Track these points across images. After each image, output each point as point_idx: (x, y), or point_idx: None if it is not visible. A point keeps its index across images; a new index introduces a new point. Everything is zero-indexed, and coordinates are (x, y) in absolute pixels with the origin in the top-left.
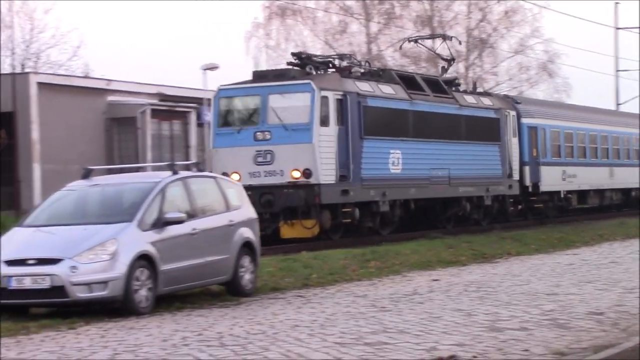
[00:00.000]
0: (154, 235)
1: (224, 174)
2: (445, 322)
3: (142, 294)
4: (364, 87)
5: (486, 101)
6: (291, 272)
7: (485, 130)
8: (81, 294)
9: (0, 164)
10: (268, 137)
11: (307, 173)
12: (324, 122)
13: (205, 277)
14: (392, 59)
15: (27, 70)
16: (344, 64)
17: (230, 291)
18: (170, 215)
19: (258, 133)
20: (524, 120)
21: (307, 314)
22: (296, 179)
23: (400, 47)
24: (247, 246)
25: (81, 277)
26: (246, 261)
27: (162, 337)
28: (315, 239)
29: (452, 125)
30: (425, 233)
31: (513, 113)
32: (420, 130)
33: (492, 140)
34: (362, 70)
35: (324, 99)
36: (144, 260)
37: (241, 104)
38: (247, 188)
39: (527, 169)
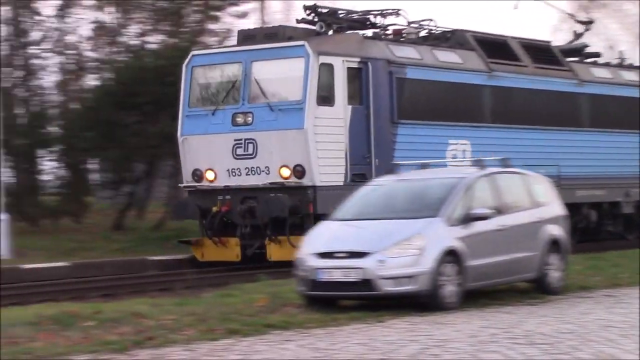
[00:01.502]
0: (460, 231)
1: (196, 171)
2: None
3: (449, 289)
4: (403, 52)
5: (628, 76)
6: (599, 270)
7: (622, 114)
8: (388, 287)
9: None
10: (250, 120)
11: (298, 171)
12: (326, 99)
13: (511, 274)
14: None
15: None
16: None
17: (537, 289)
18: (476, 211)
19: (238, 115)
20: None
21: (618, 314)
22: (285, 178)
23: (516, 7)
24: (554, 243)
25: (389, 271)
26: (553, 259)
27: (470, 332)
28: None
29: (564, 107)
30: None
31: None
32: (505, 114)
33: (634, 128)
34: (422, 34)
35: (326, 67)
36: (451, 255)
37: (218, 75)
38: (225, 191)
39: None
